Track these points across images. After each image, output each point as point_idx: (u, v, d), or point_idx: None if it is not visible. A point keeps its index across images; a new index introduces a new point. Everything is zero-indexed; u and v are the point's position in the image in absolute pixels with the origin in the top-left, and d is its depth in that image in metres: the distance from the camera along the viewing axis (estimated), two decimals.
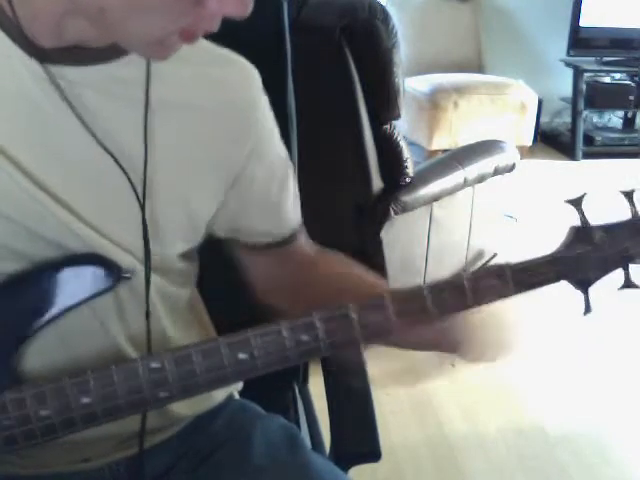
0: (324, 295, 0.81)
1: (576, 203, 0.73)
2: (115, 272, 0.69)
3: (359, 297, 0.70)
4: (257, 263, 0.88)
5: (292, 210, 0.87)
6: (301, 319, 0.68)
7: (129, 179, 0.68)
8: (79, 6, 0.58)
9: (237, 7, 0.57)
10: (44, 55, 0.63)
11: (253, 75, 0.78)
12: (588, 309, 0.73)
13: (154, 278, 0.75)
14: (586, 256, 0.72)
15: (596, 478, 1.79)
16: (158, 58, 0.64)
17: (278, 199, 0.84)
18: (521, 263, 0.72)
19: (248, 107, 0.77)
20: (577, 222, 0.74)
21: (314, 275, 0.87)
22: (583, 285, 0.73)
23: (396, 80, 1.88)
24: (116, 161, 0.67)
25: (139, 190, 0.69)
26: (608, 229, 0.73)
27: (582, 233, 0.73)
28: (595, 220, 0.74)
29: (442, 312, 0.70)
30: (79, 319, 0.70)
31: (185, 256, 0.79)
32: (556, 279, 0.73)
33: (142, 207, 0.70)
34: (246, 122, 0.77)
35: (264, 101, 0.79)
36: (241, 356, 0.67)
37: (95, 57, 0.65)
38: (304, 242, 0.89)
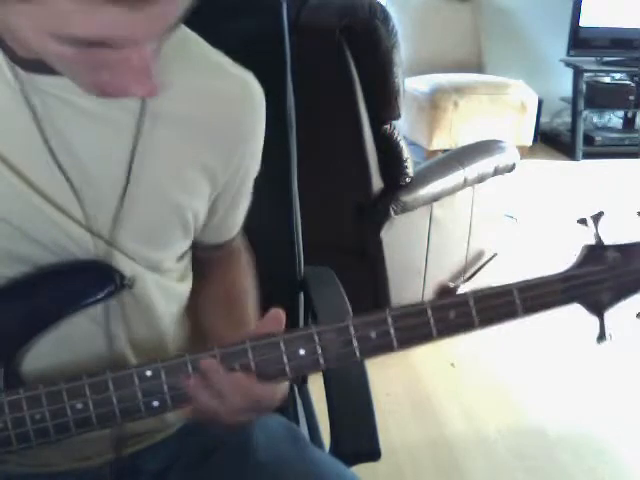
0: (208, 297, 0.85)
1: (593, 220, 0.70)
2: (117, 279, 0.70)
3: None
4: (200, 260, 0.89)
5: (240, 220, 0.89)
6: (299, 331, 0.67)
7: (76, 196, 0.68)
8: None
9: (140, 90, 0.58)
10: (28, 64, 0.63)
11: (252, 91, 0.78)
12: (603, 336, 0.71)
13: (154, 277, 0.75)
14: (598, 276, 0.70)
15: (596, 478, 1.79)
16: (96, 95, 0.62)
17: (241, 208, 0.87)
18: (529, 281, 0.69)
19: (242, 122, 0.77)
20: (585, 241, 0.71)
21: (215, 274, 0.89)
22: (598, 309, 0.70)
23: (396, 80, 1.88)
24: (68, 181, 0.67)
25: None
26: (622, 249, 0.70)
27: (595, 252, 0.70)
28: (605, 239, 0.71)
29: (447, 334, 0.68)
30: (81, 323, 0.71)
31: (181, 256, 0.81)
32: (567, 300, 0.70)
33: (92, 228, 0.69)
34: (237, 136, 0.77)
35: (261, 119, 0.79)
36: (237, 368, 0.66)
37: None
38: (238, 243, 0.91)
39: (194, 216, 0.77)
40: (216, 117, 0.74)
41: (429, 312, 0.68)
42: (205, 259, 0.87)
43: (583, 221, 0.71)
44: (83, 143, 0.67)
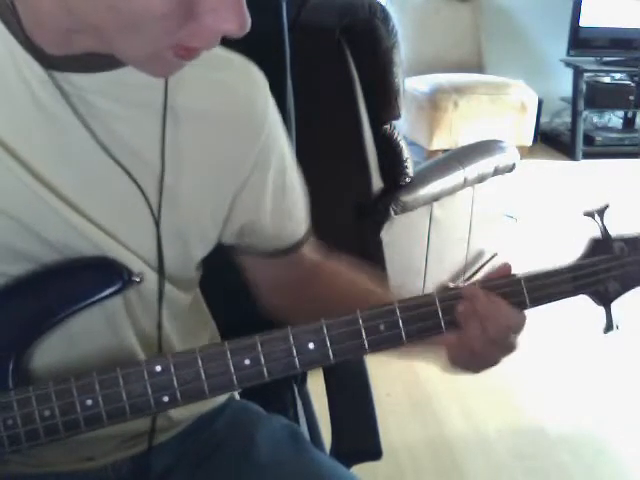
0: (327, 300, 0.82)
1: (598, 214, 0.72)
2: (125, 275, 0.69)
3: (364, 304, 0.69)
4: (261, 268, 0.87)
5: (301, 217, 0.86)
6: (309, 325, 0.67)
7: (141, 191, 0.68)
8: (78, 24, 0.58)
9: (234, 24, 0.55)
10: (52, 61, 0.63)
11: (258, 79, 0.77)
12: (610, 327, 0.72)
13: (157, 278, 0.74)
14: (605, 265, 0.71)
15: (596, 478, 1.79)
16: (158, 75, 0.63)
17: (287, 206, 0.83)
18: (536, 272, 0.71)
19: (254, 111, 0.76)
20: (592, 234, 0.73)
21: (318, 281, 0.87)
22: (604, 300, 0.72)
23: (396, 80, 1.88)
24: (128, 173, 0.67)
25: (153, 200, 0.69)
26: (628, 240, 0.72)
27: (601, 244, 0.72)
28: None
29: (453, 321, 0.69)
30: (88, 320, 0.70)
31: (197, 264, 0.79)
32: (574, 291, 0.71)
33: (157, 224, 0.70)
34: (252, 127, 0.76)
35: (271, 105, 0.79)
36: (247, 362, 0.66)
37: (107, 63, 0.64)
38: (310, 248, 0.88)
39: (210, 215, 0.75)
40: (228, 109, 0.73)
41: (437, 303, 0.69)
42: (277, 269, 0.86)
43: (589, 214, 0.72)
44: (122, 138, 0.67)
